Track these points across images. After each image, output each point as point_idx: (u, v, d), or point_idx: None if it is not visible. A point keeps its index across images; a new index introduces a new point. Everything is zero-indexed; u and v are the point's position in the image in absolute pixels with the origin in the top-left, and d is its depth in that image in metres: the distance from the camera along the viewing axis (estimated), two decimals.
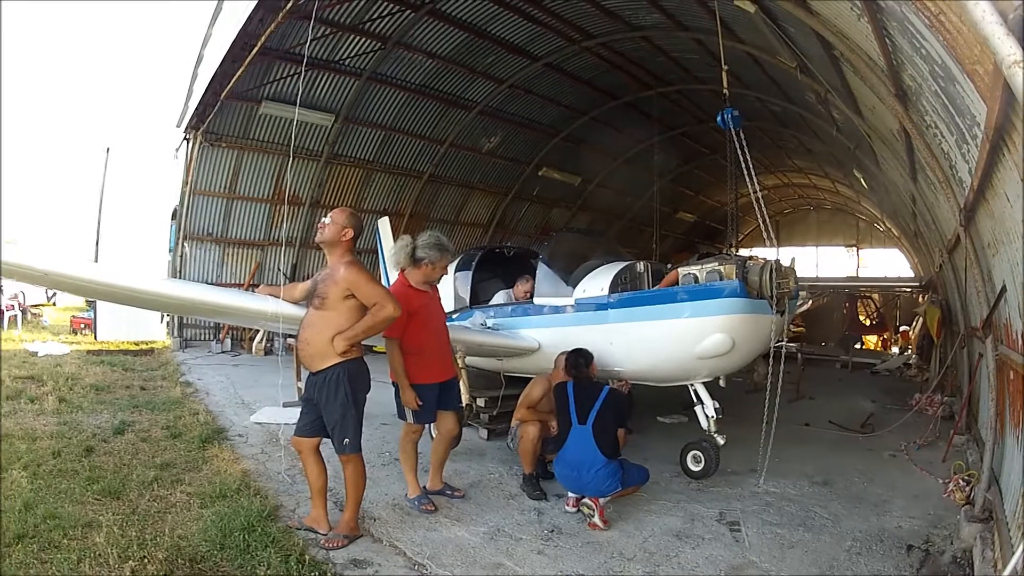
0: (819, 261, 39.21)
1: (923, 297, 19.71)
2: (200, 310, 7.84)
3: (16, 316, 21.83)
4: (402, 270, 6.88)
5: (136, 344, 18.52)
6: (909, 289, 26.21)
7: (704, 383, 7.95)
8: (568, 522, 6.41)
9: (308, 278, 7.04)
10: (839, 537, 6.18)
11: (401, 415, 6.80)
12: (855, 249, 38.93)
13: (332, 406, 5.71)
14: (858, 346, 22.41)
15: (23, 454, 7.65)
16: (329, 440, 5.89)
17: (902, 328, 22.56)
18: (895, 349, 22.36)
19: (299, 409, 5.88)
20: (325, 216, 6.01)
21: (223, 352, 18.04)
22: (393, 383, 6.70)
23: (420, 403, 6.56)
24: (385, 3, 15.32)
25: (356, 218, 6.04)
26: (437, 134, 20.84)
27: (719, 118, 8.85)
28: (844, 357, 19.11)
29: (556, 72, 19.51)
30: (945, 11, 4.08)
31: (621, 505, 6.56)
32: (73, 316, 22.81)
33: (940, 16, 4.23)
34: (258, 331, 17.83)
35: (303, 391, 6.18)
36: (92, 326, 19.79)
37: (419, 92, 19.05)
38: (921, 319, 17.03)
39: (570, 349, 7.51)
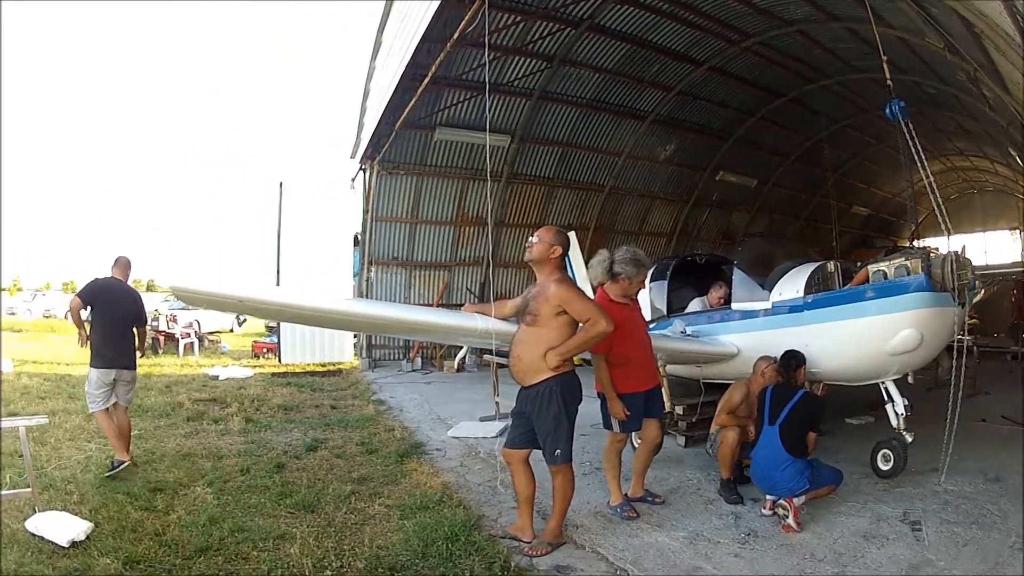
0: (986, 247, 36.64)
1: None
2: (410, 330, 8.10)
3: (192, 343, 22.49)
4: (601, 284, 6.95)
5: (323, 366, 19.09)
6: None
7: (894, 380, 7.82)
8: (764, 525, 6.38)
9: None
10: (1006, 534, 6.04)
11: (607, 425, 6.85)
12: (1019, 232, 36.52)
13: (544, 418, 5.77)
14: None
15: (208, 471, 8.01)
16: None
17: None
18: None
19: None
20: (532, 235, 6.09)
21: (414, 371, 18.27)
22: (599, 394, 6.75)
23: (627, 413, 6.62)
24: (545, 23, 15.50)
25: (563, 235, 6.10)
26: (613, 146, 20.82)
27: (887, 110, 8.63)
28: (1014, 348, 18.06)
29: (720, 75, 19.28)
30: None
31: (814, 508, 6.47)
32: (255, 341, 23.56)
33: None
34: (453, 348, 18.17)
35: (513, 405, 6.32)
36: (275, 350, 20.47)
37: (591, 106, 19.11)
38: None
39: (765, 353, 7.61)
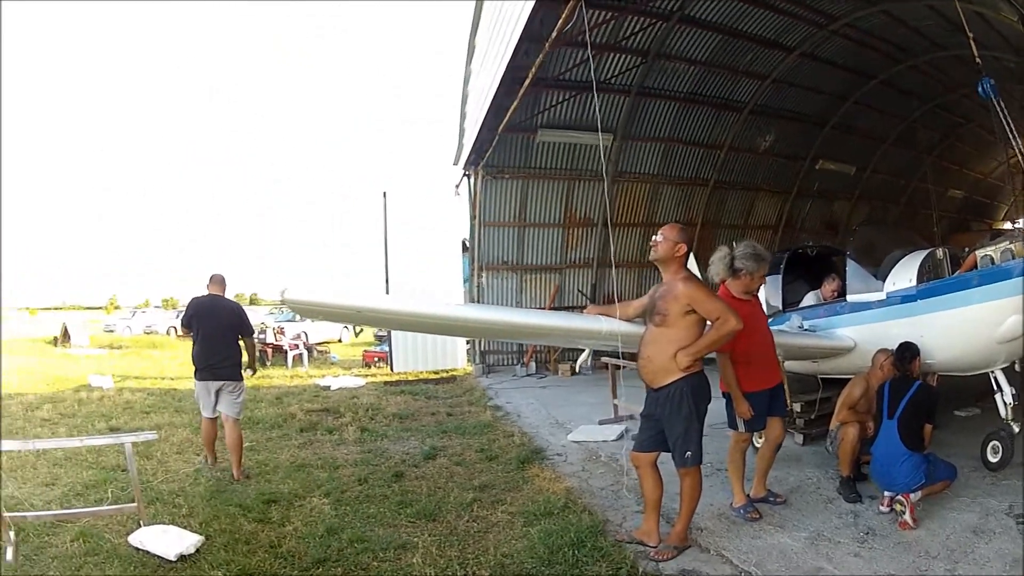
0: None
1: None
2: (533, 334, 8.07)
3: (301, 355, 22.53)
4: (722, 281, 6.87)
5: (435, 373, 19.11)
6: None
7: (1003, 369, 7.52)
8: (881, 523, 6.25)
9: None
10: None
11: (732, 424, 6.80)
12: None
13: (675, 420, 5.70)
14: None
15: (324, 482, 7.98)
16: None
17: None
18: None
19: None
20: (656, 234, 6.01)
21: (528, 375, 18.12)
22: (724, 394, 6.71)
23: (753, 411, 6.53)
24: (636, 18, 15.38)
25: (687, 233, 6.06)
26: (714, 139, 20.49)
27: (979, 88, 8.31)
28: None
29: (812, 60, 18.73)
30: None
31: (928, 504, 6.30)
32: (365, 350, 23.74)
33: None
34: (567, 352, 18.18)
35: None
36: (387, 359, 20.47)
37: (689, 100, 18.88)
38: None
39: (884, 347, 7.48)
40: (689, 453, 5.68)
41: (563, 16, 10.06)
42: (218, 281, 9.10)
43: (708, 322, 5.72)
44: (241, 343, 8.97)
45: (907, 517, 6.03)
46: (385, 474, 8.34)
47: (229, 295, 9.48)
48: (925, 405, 6.52)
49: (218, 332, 8.73)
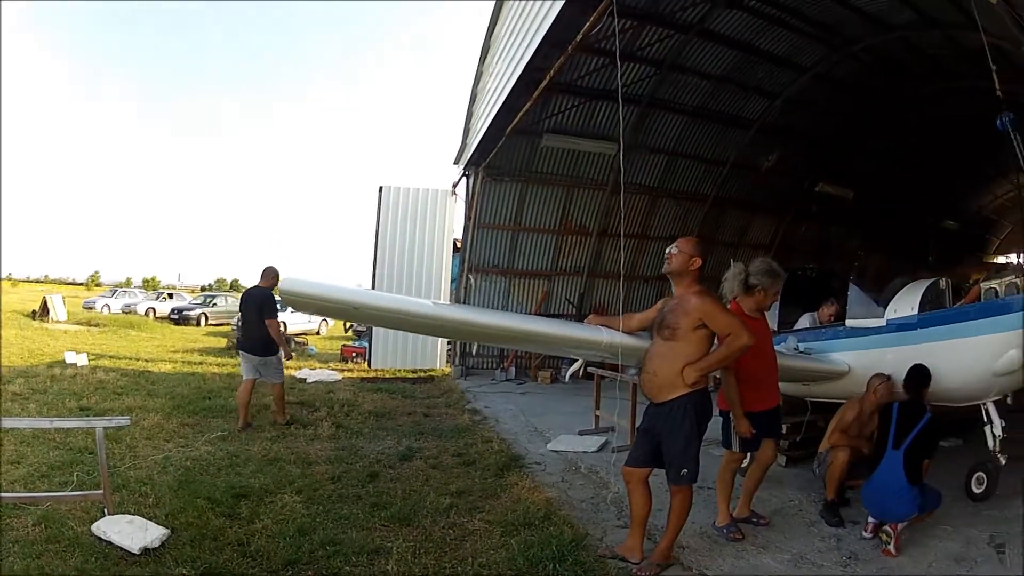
0: None
1: None
2: (531, 341, 7.83)
3: None
4: (734, 298, 6.83)
5: (413, 372, 18.89)
6: None
7: (994, 401, 7.53)
8: (864, 548, 6.28)
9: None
10: None
11: (727, 444, 6.83)
12: None
13: (676, 436, 5.60)
14: None
15: (296, 478, 7.81)
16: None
17: None
18: None
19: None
20: (672, 246, 5.94)
21: (507, 380, 18.07)
22: (721, 412, 6.69)
23: (753, 432, 6.43)
24: (656, 29, 15.22)
25: (703, 247, 6.00)
26: (718, 155, 20.42)
27: (998, 122, 8.24)
28: None
29: (824, 82, 18.58)
30: None
31: (910, 531, 6.32)
32: (344, 345, 23.52)
33: None
34: (548, 359, 18.21)
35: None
36: (365, 355, 20.30)
37: (698, 114, 18.74)
38: None
39: (877, 371, 7.61)
40: (686, 471, 5.59)
41: (591, 20, 9.88)
42: (265, 274, 11.11)
43: (716, 339, 5.63)
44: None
45: (891, 547, 6.06)
46: (359, 473, 8.17)
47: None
48: (933, 438, 6.51)
49: (250, 316, 10.91)
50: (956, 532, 6.57)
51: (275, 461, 8.58)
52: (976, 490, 7.45)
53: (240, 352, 11.19)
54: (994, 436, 7.43)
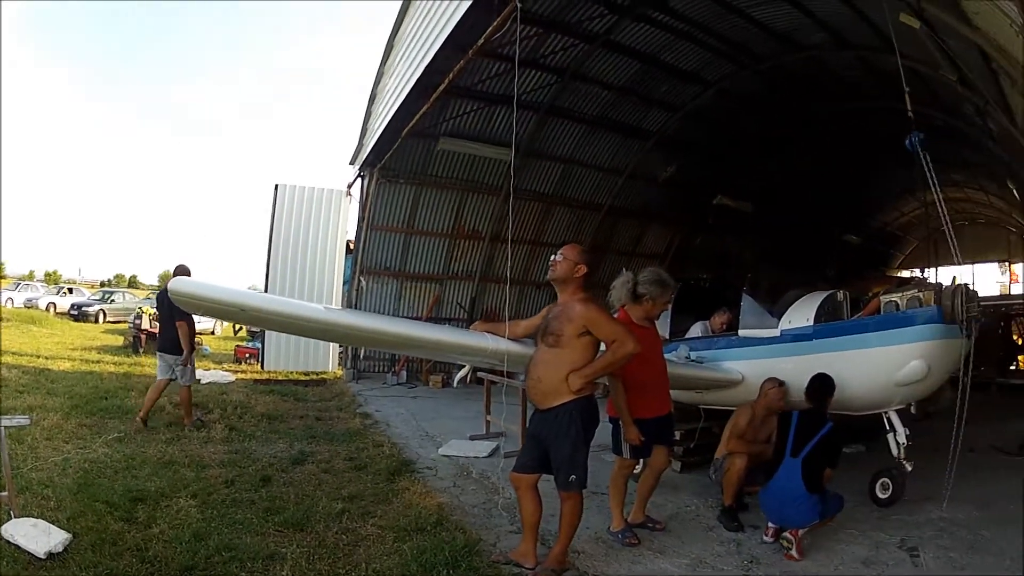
0: (974, 279, 36.30)
1: None
2: (418, 346, 7.85)
3: None
4: (622, 306, 6.86)
5: (305, 374, 18.70)
6: None
7: (897, 410, 7.82)
8: (765, 552, 6.36)
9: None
10: (999, 557, 6.23)
11: (617, 450, 6.75)
12: (1008, 265, 37.27)
13: (562, 442, 5.62)
14: (1013, 367, 21.02)
15: (191, 482, 7.70)
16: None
17: None
18: None
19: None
20: (555, 254, 5.97)
21: (399, 384, 18.04)
22: (611, 419, 6.71)
23: (643, 439, 6.47)
24: (561, 37, 15.33)
25: (588, 255, 6.01)
26: (616, 164, 20.69)
27: (907, 142, 8.57)
28: (1000, 380, 17.93)
29: (728, 97, 19.04)
30: None
31: (814, 535, 6.46)
32: (238, 346, 23.22)
33: None
34: (439, 364, 18.16)
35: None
36: (258, 356, 19.99)
37: (597, 124, 18.97)
38: None
39: (772, 376, 7.79)
40: (574, 477, 5.61)
41: (495, 24, 9.93)
42: (178, 273, 10.44)
43: (603, 345, 5.69)
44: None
45: (793, 551, 6.13)
46: (253, 477, 8.08)
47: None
48: (834, 449, 6.59)
49: (164, 317, 11.04)
50: (863, 536, 6.73)
51: (170, 464, 8.43)
52: (881, 495, 7.66)
53: (157, 352, 11.16)
54: (898, 444, 7.70)
